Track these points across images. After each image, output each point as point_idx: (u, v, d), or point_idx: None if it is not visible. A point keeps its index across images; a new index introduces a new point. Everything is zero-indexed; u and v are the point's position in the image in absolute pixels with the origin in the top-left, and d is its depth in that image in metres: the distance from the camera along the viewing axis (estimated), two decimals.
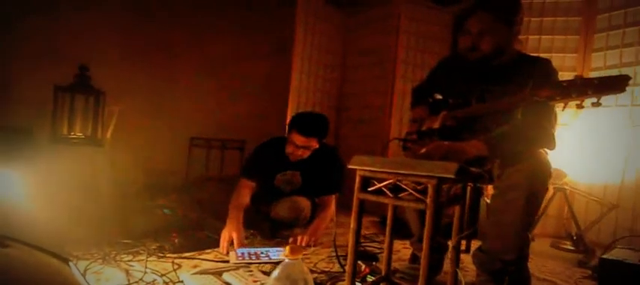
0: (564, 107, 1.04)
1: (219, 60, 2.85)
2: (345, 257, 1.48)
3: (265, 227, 1.80)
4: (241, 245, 1.50)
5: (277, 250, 1.51)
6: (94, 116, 1.86)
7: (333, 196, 1.87)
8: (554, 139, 1.22)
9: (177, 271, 1.23)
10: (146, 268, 1.19)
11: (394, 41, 2.85)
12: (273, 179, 1.87)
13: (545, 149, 1.24)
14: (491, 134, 1.14)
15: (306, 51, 2.99)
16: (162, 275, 1.18)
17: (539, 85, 1.11)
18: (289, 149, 1.76)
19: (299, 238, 1.66)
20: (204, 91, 2.77)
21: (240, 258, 1.40)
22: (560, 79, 1.21)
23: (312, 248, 1.66)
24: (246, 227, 1.68)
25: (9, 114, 2.00)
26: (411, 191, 0.80)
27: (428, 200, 0.76)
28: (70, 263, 0.83)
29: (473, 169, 0.84)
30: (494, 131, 1.16)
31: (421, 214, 1.38)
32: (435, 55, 2.88)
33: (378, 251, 1.71)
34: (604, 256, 1.16)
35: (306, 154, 1.77)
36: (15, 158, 1.46)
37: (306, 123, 1.74)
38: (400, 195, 0.83)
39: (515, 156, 1.10)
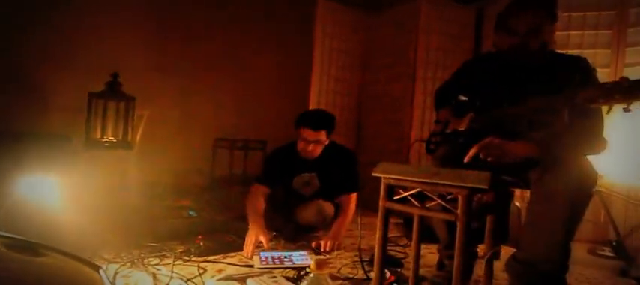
0: (609, 110, 0.97)
1: (241, 63, 2.90)
2: (368, 262, 1.47)
3: (288, 230, 1.81)
4: (269, 246, 1.53)
5: (300, 254, 1.51)
6: (124, 121, 1.94)
7: (353, 196, 1.86)
8: (605, 143, 1.17)
9: (203, 276, 1.25)
10: (172, 272, 1.21)
11: (415, 41, 2.79)
12: (291, 183, 1.89)
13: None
14: (542, 136, 1.09)
15: (325, 52, 2.98)
16: (187, 280, 1.20)
17: (577, 87, 1.06)
18: (300, 146, 1.79)
19: (323, 243, 1.65)
20: (228, 94, 2.83)
21: (263, 262, 1.40)
22: None
23: (336, 252, 1.65)
24: (269, 229, 1.70)
25: (47, 121, 2.12)
26: (439, 201, 0.77)
27: (458, 212, 0.73)
28: (100, 270, 0.86)
29: (507, 177, 0.80)
30: (544, 133, 1.11)
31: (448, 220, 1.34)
32: (456, 55, 2.80)
33: (402, 256, 1.68)
34: None
35: (318, 149, 1.80)
36: (54, 164, 1.53)
37: (314, 117, 1.79)
38: (428, 205, 0.80)
39: (558, 160, 1.05)
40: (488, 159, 1.08)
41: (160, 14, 2.58)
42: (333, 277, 1.36)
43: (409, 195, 0.82)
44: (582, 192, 1.01)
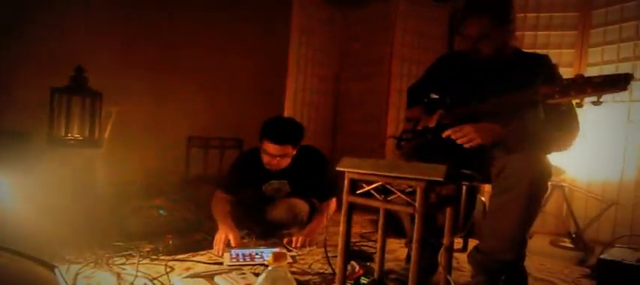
0: (578, 104, 1.02)
1: (216, 59, 2.85)
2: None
3: (259, 228, 1.79)
4: (239, 245, 1.50)
5: (272, 251, 1.51)
6: (91, 118, 1.86)
7: (332, 200, 1.84)
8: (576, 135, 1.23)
9: (170, 274, 1.22)
10: (137, 271, 1.18)
11: (391, 38, 2.83)
12: (260, 190, 1.81)
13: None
14: (516, 126, 1.14)
15: (301, 49, 2.97)
16: (153, 279, 1.17)
17: (538, 84, 1.12)
18: (265, 160, 1.66)
19: (294, 239, 1.65)
20: (202, 91, 2.77)
21: (234, 259, 1.39)
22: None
23: (308, 248, 1.66)
24: (240, 228, 1.68)
25: (4, 117, 2.00)
26: (399, 194, 0.79)
27: (416, 204, 0.74)
28: (56, 270, 0.82)
29: (465, 171, 0.83)
30: (517, 124, 1.16)
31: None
32: (431, 52, 2.85)
33: (373, 251, 1.70)
34: (602, 256, 1.15)
35: (284, 162, 1.67)
36: (10, 163, 1.45)
37: (278, 130, 1.63)
38: (389, 198, 0.82)
39: (517, 154, 1.09)
40: (459, 141, 1.13)
41: (128, 9, 2.49)
42: (304, 273, 1.36)
43: (371, 189, 0.83)
44: (539, 185, 1.06)
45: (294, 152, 1.70)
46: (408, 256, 1.48)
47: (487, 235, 1.15)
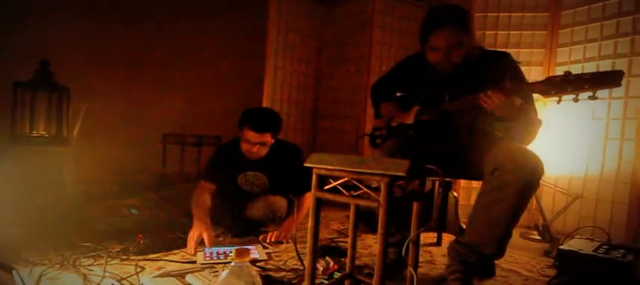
0: (559, 101, 1.06)
1: (192, 55, 2.80)
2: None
3: (235, 226, 1.78)
4: (212, 244, 1.48)
5: (245, 248, 1.50)
6: (58, 114, 1.79)
7: (308, 195, 1.85)
8: (535, 134, 1.29)
9: (140, 274, 1.20)
10: (105, 271, 1.15)
11: (369, 36, 2.85)
12: (235, 181, 1.83)
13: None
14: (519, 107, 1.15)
15: (280, 45, 2.95)
16: (121, 279, 1.14)
17: (514, 79, 1.17)
18: (244, 147, 1.71)
19: (268, 235, 1.65)
20: (179, 87, 2.72)
21: (208, 258, 1.38)
22: (529, 73, 1.27)
23: (285, 245, 1.66)
24: (215, 226, 1.66)
25: None
26: (364, 189, 0.80)
27: (381, 199, 0.76)
28: (14, 272, 0.79)
29: (430, 166, 0.85)
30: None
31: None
32: (410, 51, 2.88)
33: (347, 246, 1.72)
34: (561, 247, 1.20)
35: (263, 151, 1.72)
36: None
37: (258, 118, 1.68)
38: (356, 193, 0.82)
39: (513, 153, 1.13)
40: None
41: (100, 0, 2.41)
42: (279, 270, 1.36)
43: (338, 184, 0.84)
44: (531, 184, 1.10)
45: (273, 141, 1.74)
46: None
47: (475, 229, 1.18)
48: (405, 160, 0.73)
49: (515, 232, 2.27)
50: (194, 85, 2.81)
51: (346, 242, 1.85)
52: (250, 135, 1.66)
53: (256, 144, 1.68)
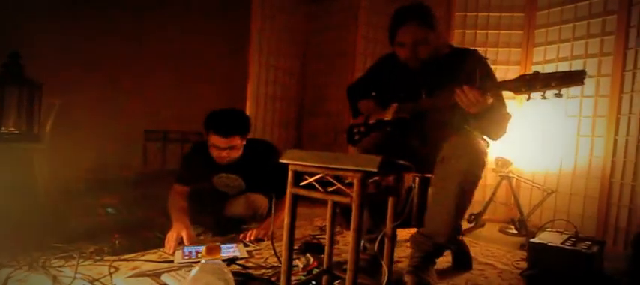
0: (529, 98, 1.10)
1: (173, 48, 2.73)
2: (296, 250, 1.50)
3: (215, 225, 1.76)
4: (191, 243, 1.46)
5: (228, 247, 1.49)
6: (28, 110, 1.72)
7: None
8: (505, 129, 1.33)
9: (113, 275, 1.17)
10: (76, 272, 1.12)
11: (354, 33, 2.86)
12: (211, 183, 1.78)
13: (487, 138, 1.33)
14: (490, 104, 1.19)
15: (264, 41, 2.93)
16: (94, 280, 1.12)
17: (486, 78, 1.22)
18: (214, 154, 1.62)
19: (248, 233, 1.64)
20: (160, 82, 2.65)
21: (186, 257, 1.36)
22: (507, 72, 1.31)
23: (266, 243, 1.65)
24: (195, 225, 1.64)
25: None
26: (338, 185, 0.80)
27: (353, 194, 0.76)
28: None
29: (403, 162, 0.86)
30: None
31: (370, 205, 1.41)
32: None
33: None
34: (532, 240, 1.24)
35: (234, 154, 1.64)
36: None
37: (223, 121, 1.58)
38: (331, 189, 0.83)
39: (456, 144, 1.16)
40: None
41: None
42: (259, 267, 1.36)
43: (314, 180, 0.84)
44: (471, 175, 1.14)
45: (243, 143, 1.67)
46: (365, 247, 1.52)
47: (428, 220, 1.23)
48: (378, 157, 0.74)
49: (495, 227, 2.36)
50: (177, 81, 2.75)
51: (324, 239, 1.86)
52: (217, 140, 1.57)
53: (225, 149, 1.59)
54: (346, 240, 1.82)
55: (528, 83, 1.05)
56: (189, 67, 2.78)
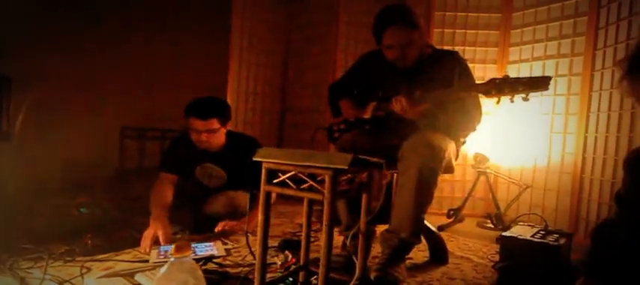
0: (498, 101, 1.14)
1: (152, 43, 2.66)
2: (275, 248, 1.50)
3: (194, 223, 1.74)
4: (168, 242, 1.44)
5: (206, 245, 1.48)
6: None
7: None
8: (473, 128, 1.38)
9: (85, 276, 1.14)
10: (45, 273, 1.09)
11: (335, 30, 2.86)
12: (193, 172, 1.79)
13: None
14: (432, 110, 1.28)
15: (245, 37, 2.90)
16: (64, 281, 1.08)
17: (464, 79, 1.28)
18: (194, 137, 1.69)
19: (222, 223, 1.63)
20: (137, 77, 2.57)
21: (161, 256, 1.33)
22: (485, 71, 1.36)
23: (245, 241, 1.64)
24: (174, 223, 1.62)
25: None
26: (311, 182, 0.81)
27: (325, 191, 0.77)
28: None
29: (373, 159, 0.87)
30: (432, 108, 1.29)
31: (349, 202, 1.43)
32: (373, 45, 2.94)
33: (311, 240, 1.73)
34: (503, 234, 1.28)
35: (213, 139, 1.70)
36: None
37: (201, 105, 1.68)
38: (303, 186, 0.83)
39: (412, 140, 1.20)
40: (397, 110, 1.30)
41: None
42: (237, 265, 1.35)
43: (286, 178, 0.84)
44: (427, 169, 1.17)
45: (223, 129, 1.72)
46: (344, 244, 1.53)
47: (392, 215, 1.26)
48: (349, 154, 0.75)
49: (473, 222, 2.42)
50: (156, 77, 2.68)
51: (310, 237, 1.86)
52: (196, 123, 1.65)
53: (203, 131, 1.66)
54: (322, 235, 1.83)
55: (498, 87, 1.09)
56: (169, 63, 2.72)
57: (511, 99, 1.08)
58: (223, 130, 1.73)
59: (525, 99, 1.06)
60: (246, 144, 1.81)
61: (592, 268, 0.80)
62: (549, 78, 1.04)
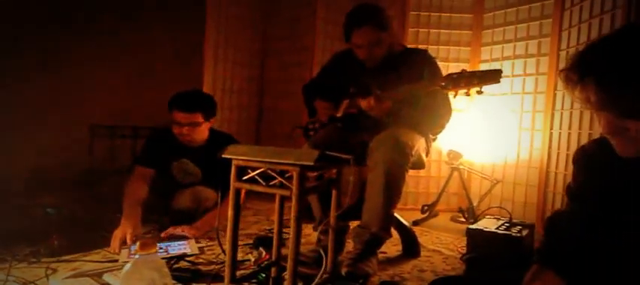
0: (455, 95, 1.19)
1: (124, 40, 2.58)
2: (250, 245, 1.50)
3: (166, 222, 1.70)
4: (133, 242, 1.41)
5: (179, 244, 1.46)
6: None
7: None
8: (442, 124, 1.41)
9: (51, 277, 1.11)
10: (8, 275, 1.05)
11: (312, 27, 2.87)
12: (170, 168, 1.76)
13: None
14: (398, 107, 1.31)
15: (220, 34, 2.85)
16: (27, 283, 1.05)
17: (432, 76, 1.31)
18: (175, 130, 1.67)
19: (180, 228, 1.56)
20: (108, 74, 2.49)
21: (132, 255, 1.31)
22: (459, 69, 1.40)
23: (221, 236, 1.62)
24: (145, 223, 1.58)
25: None
26: (280, 179, 0.82)
27: (293, 187, 0.78)
28: None
29: (341, 155, 0.89)
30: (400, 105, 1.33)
31: (322, 197, 1.45)
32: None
33: (286, 237, 1.74)
34: (469, 226, 1.34)
35: (195, 134, 1.68)
36: None
37: (186, 98, 1.66)
38: (272, 183, 0.84)
39: (382, 137, 1.24)
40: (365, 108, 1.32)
41: None
42: (209, 263, 1.35)
43: (255, 174, 0.85)
44: (394, 164, 1.21)
45: (207, 125, 1.70)
46: (319, 239, 1.55)
47: (363, 210, 1.29)
48: (316, 151, 0.76)
49: (447, 216, 2.49)
50: (128, 74, 2.60)
51: (285, 233, 1.87)
52: (179, 116, 1.62)
53: (186, 125, 1.63)
54: (303, 233, 1.84)
55: (454, 82, 1.13)
56: (141, 60, 2.64)
57: (467, 92, 1.12)
58: (206, 126, 1.71)
59: (479, 92, 1.11)
60: (224, 142, 1.77)
61: (545, 256, 0.85)
62: (500, 71, 1.09)
